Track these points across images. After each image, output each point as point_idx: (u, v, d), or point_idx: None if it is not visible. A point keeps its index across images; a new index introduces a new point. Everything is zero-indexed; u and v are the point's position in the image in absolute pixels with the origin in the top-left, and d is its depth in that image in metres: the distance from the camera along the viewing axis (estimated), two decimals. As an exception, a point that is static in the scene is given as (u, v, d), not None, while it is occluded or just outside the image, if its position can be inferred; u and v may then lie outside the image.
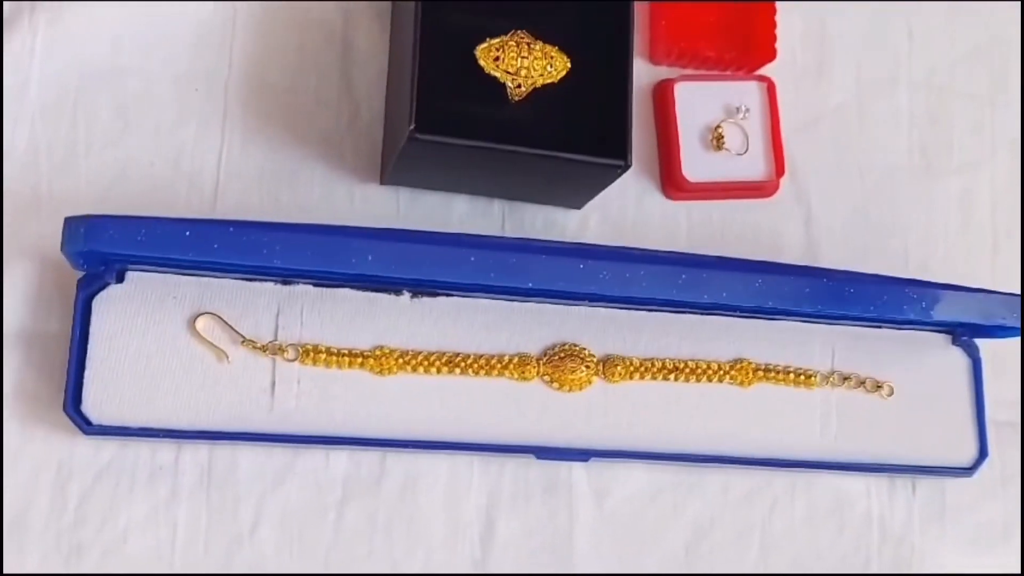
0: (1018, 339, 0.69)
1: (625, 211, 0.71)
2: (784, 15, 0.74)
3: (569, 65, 0.63)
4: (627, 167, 0.62)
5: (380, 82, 0.68)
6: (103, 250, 0.53)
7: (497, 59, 0.62)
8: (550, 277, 0.59)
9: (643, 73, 0.73)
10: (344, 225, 0.56)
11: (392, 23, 0.69)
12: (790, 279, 0.61)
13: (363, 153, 0.68)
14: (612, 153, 0.62)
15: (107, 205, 0.63)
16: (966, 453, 0.70)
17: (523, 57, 0.63)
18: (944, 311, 0.63)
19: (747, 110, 0.72)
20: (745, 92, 0.73)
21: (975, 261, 0.76)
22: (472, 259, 0.57)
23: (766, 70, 0.74)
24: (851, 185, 0.75)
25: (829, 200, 0.75)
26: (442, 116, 0.60)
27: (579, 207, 0.70)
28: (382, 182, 0.67)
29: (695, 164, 0.71)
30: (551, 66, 0.63)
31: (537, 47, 0.63)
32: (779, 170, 0.72)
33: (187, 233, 0.53)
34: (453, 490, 0.65)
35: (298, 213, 0.66)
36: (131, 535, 0.61)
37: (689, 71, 0.73)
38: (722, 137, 0.71)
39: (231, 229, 0.54)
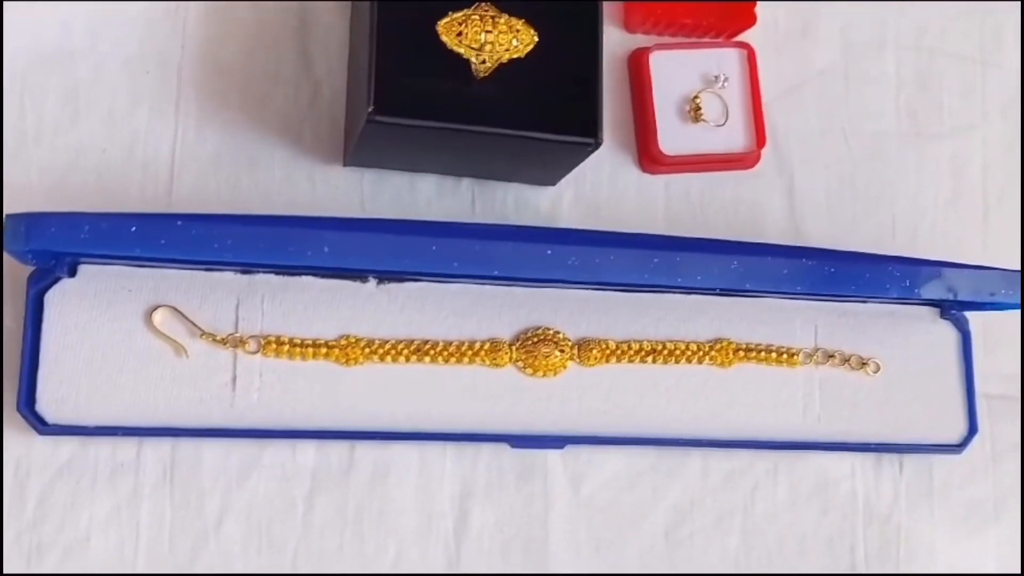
0: (1012, 310, 0.67)
1: (600, 186, 0.69)
2: (765, -21, 0.71)
3: (536, 39, 0.60)
4: (598, 145, 0.59)
5: (341, 58, 0.66)
6: (46, 248, 0.51)
7: (460, 34, 0.59)
8: (516, 264, 0.56)
9: (617, 41, 0.70)
10: (299, 216, 0.54)
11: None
12: (767, 260, 0.59)
13: (324, 134, 0.65)
14: (582, 131, 0.59)
15: (59, 195, 0.61)
16: (955, 430, 0.68)
17: (487, 31, 0.60)
18: (930, 288, 0.61)
19: (726, 79, 0.69)
20: (724, 60, 0.69)
21: (965, 229, 0.74)
22: (434, 248, 0.55)
23: (746, 34, 0.71)
24: (836, 153, 0.73)
25: (813, 170, 0.72)
26: (403, 96, 0.57)
27: (552, 184, 0.67)
28: (345, 164, 0.65)
29: (672, 136, 0.68)
30: (517, 40, 0.60)
31: (502, 20, 0.60)
32: (760, 141, 0.69)
33: (133, 229, 0.51)
34: (425, 480, 0.63)
35: (257, 198, 0.63)
36: (93, 533, 0.59)
37: (665, 38, 0.70)
38: (700, 108, 0.68)
39: (179, 223, 0.52)
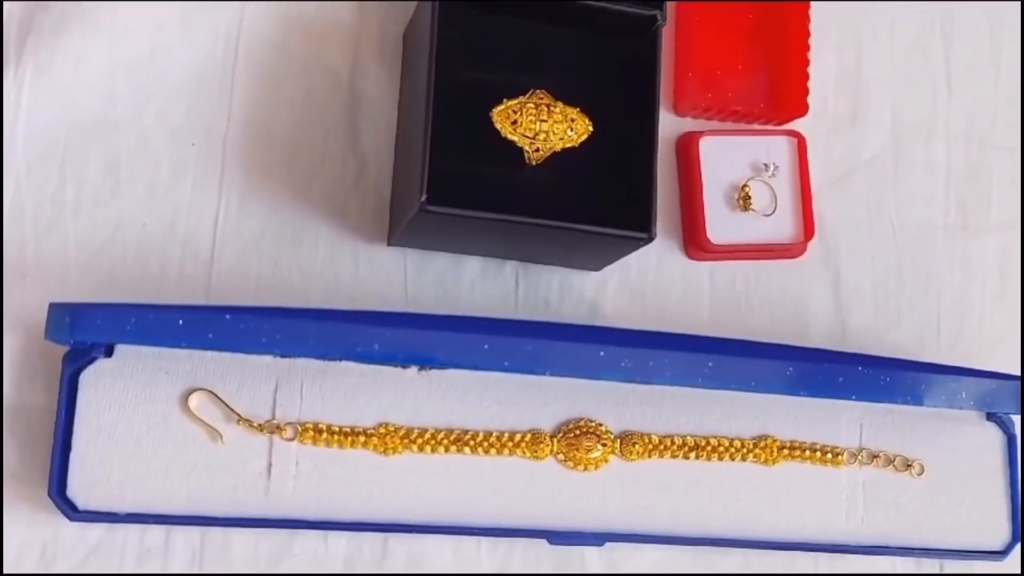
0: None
1: (645, 273, 0.67)
2: (817, 58, 0.70)
3: (591, 129, 0.59)
4: (651, 239, 0.58)
5: (388, 135, 0.64)
6: (90, 340, 0.50)
7: (515, 122, 0.58)
8: (568, 364, 0.55)
9: (667, 125, 0.68)
10: (348, 311, 0.53)
11: (403, 74, 0.65)
12: (823, 367, 0.57)
13: (369, 211, 0.64)
14: (635, 225, 0.58)
15: (96, 269, 0.60)
16: (998, 535, 0.67)
17: (542, 120, 0.59)
18: (986, 401, 0.60)
19: (776, 167, 0.68)
20: (774, 148, 0.68)
21: (1011, 325, 0.72)
22: (486, 347, 0.53)
23: (796, 121, 0.70)
24: (883, 244, 0.71)
25: (859, 260, 0.71)
26: (455, 186, 0.56)
27: (598, 269, 0.66)
28: (389, 243, 0.63)
29: (720, 225, 0.67)
30: (572, 129, 0.59)
31: (557, 109, 0.59)
32: (808, 232, 0.68)
33: (180, 322, 0.50)
34: (459, 572, 0.62)
35: (299, 276, 0.62)
36: (118, 620, 0.58)
37: (715, 124, 0.69)
38: (749, 197, 0.67)
39: (227, 317, 0.50)
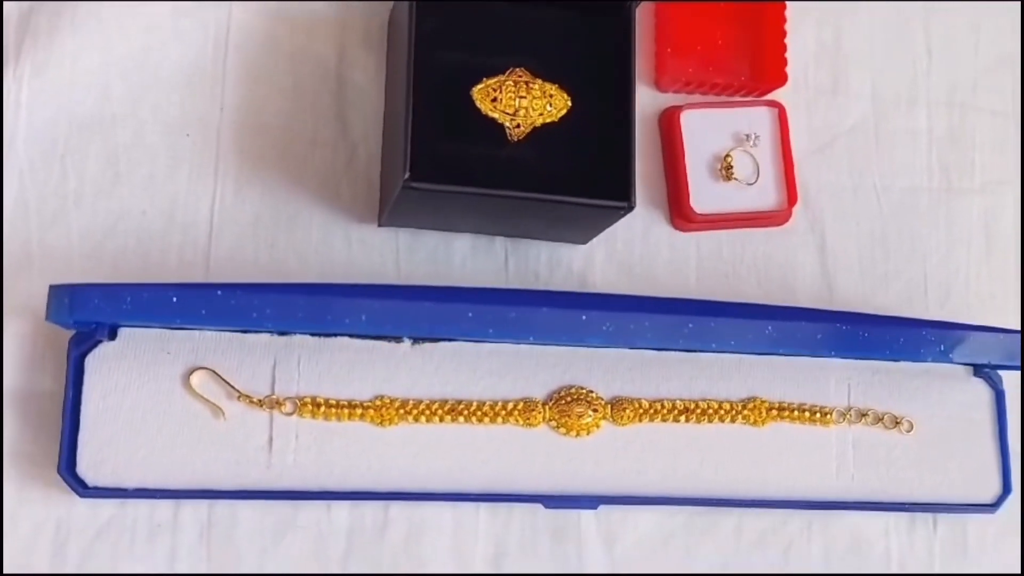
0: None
1: (632, 244, 0.69)
2: (796, 30, 0.72)
3: (570, 103, 0.61)
4: (631, 209, 0.59)
5: (377, 119, 0.67)
6: (89, 320, 0.52)
7: (495, 100, 0.60)
8: (551, 330, 0.57)
9: (649, 100, 0.70)
10: (335, 284, 0.55)
11: (387, 60, 0.67)
12: (802, 325, 0.59)
13: (361, 194, 0.66)
14: (615, 195, 0.59)
15: (99, 258, 0.62)
16: (989, 489, 0.68)
17: (521, 97, 0.60)
18: (964, 353, 0.61)
19: (757, 137, 0.69)
20: (755, 118, 0.70)
21: (998, 286, 0.73)
22: (470, 315, 0.55)
23: (777, 92, 0.71)
24: (867, 209, 0.73)
25: (844, 226, 0.72)
26: (438, 162, 0.58)
27: (584, 242, 0.68)
28: (380, 224, 0.65)
29: (704, 195, 0.68)
30: (551, 105, 0.61)
31: (536, 85, 0.61)
32: (791, 198, 0.69)
33: (174, 299, 0.52)
34: (459, 540, 0.64)
35: (294, 258, 0.64)
36: (132, 594, 0.60)
37: (696, 97, 0.71)
38: (731, 167, 0.69)
39: (219, 293, 0.52)
